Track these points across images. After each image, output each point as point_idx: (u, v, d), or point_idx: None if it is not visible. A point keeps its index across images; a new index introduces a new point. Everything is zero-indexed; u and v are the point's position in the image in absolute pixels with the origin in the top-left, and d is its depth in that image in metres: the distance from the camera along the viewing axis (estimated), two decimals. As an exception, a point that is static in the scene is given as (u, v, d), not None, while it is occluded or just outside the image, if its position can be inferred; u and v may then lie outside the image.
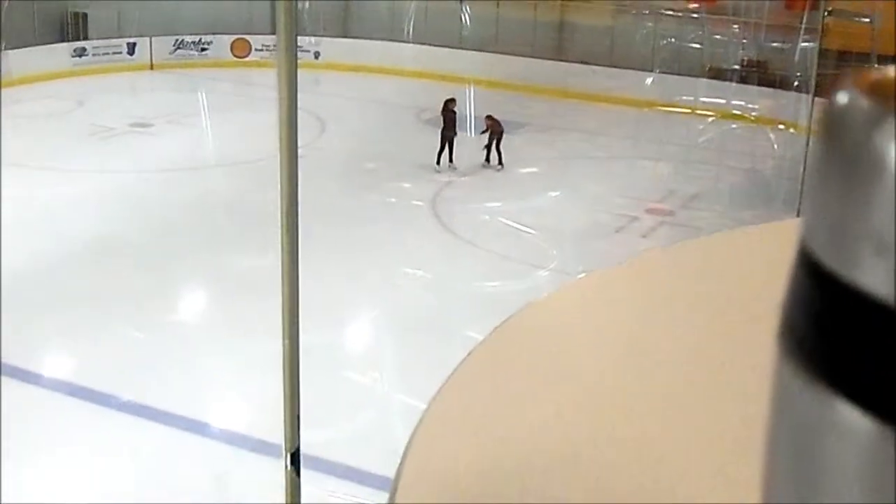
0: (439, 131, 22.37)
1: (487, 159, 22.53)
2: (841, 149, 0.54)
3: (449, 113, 22.30)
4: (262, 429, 10.42)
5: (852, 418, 0.53)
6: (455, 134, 22.23)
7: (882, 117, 0.53)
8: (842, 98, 0.56)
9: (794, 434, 0.58)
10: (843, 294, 0.52)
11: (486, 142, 22.44)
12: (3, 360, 12.13)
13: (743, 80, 28.72)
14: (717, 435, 1.40)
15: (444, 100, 22.79)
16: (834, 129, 0.55)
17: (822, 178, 0.56)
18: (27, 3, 28.53)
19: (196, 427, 11.88)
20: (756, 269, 1.83)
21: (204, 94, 27.67)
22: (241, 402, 12.74)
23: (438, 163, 22.07)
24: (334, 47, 32.22)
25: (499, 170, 22.53)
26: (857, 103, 0.55)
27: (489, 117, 22.56)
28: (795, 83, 25.92)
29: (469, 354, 1.66)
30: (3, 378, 12.08)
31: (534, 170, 23.27)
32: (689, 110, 28.21)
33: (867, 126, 0.53)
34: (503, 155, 22.55)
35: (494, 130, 22.38)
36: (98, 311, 14.54)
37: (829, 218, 0.55)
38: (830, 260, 0.54)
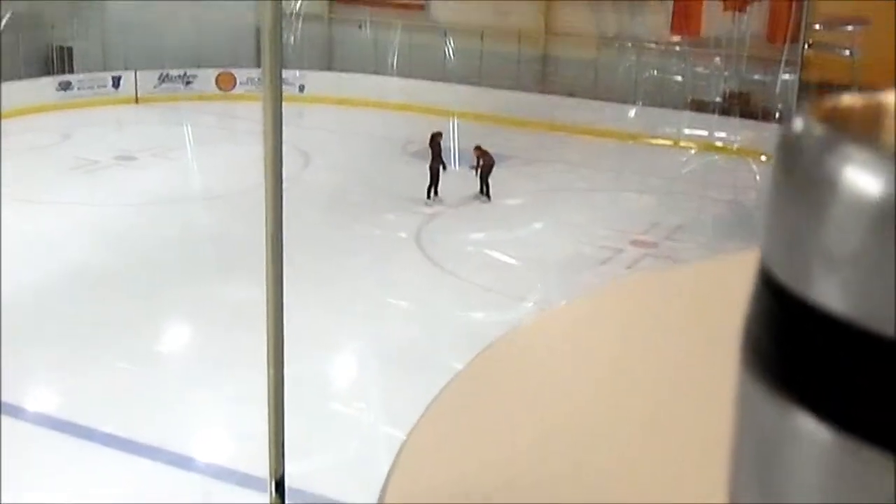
0: (427, 165, 22.45)
1: (481, 190, 22.61)
2: (796, 170, 0.57)
3: (436, 146, 22.42)
4: (247, 462, 10.41)
5: (810, 428, 0.56)
6: (444, 167, 22.33)
7: (834, 141, 0.56)
8: (797, 123, 0.59)
9: (757, 443, 0.61)
10: (798, 308, 0.55)
11: (476, 173, 22.54)
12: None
13: (725, 112, 28.95)
14: (698, 459, 1.42)
15: (430, 133, 22.91)
16: (789, 152, 0.58)
17: (777, 199, 0.59)
18: (12, 36, 28.59)
19: (181, 461, 11.82)
20: (737, 296, 1.84)
21: (189, 127, 27.70)
22: (227, 435, 12.70)
23: (429, 196, 22.15)
24: (319, 80, 32.35)
25: (485, 202, 22.60)
26: (811, 128, 0.58)
27: (478, 148, 22.63)
28: (777, 115, 26.17)
29: (450, 381, 1.68)
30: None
31: (519, 202, 23.33)
32: (671, 142, 28.42)
33: (820, 149, 0.56)
34: (490, 188, 22.63)
35: (486, 162, 22.46)
36: (82, 344, 14.49)
37: (785, 236, 0.58)
38: (786, 276, 0.57)
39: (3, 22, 27.80)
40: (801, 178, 0.56)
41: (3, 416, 12.35)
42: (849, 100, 0.62)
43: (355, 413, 13.25)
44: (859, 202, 0.52)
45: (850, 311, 0.53)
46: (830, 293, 0.54)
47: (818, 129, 0.57)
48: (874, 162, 0.53)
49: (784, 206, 0.58)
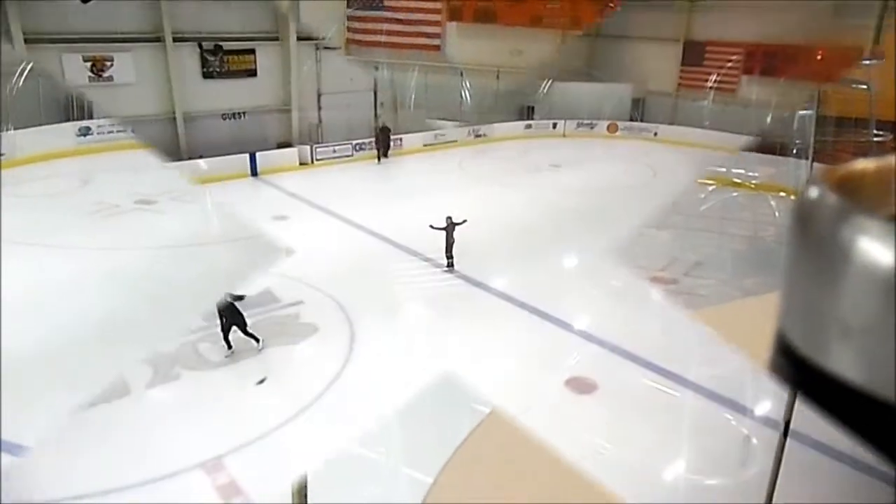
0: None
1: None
2: (811, 241, 0.58)
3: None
4: None
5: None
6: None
7: (847, 213, 0.57)
8: (812, 192, 0.60)
9: None
10: (814, 376, 0.56)
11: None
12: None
13: (743, 147, 28.91)
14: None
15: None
16: (804, 222, 0.59)
17: (793, 268, 0.60)
18: (32, 83, 28.87)
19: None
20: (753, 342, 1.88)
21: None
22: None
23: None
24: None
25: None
26: (825, 199, 0.59)
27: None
28: (794, 150, 26.13)
29: (454, 453, 1.70)
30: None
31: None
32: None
33: (834, 221, 0.57)
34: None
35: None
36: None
37: (801, 305, 0.59)
38: (803, 344, 0.58)
39: (26, 70, 28.13)
40: (815, 248, 0.57)
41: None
42: (862, 165, 0.63)
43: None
44: (871, 273, 0.53)
45: (864, 380, 0.54)
46: (845, 362, 0.55)
47: (831, 199, 0.58)
48: (885, 233, 0.54)
49: (799, 275, 0.59)
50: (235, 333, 15.59)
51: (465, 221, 20.99)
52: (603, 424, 13.31)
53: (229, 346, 15.58)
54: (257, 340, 15.79)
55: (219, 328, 15.59)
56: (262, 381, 15.15)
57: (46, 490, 11.68)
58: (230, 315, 15.55)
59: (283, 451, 12.57)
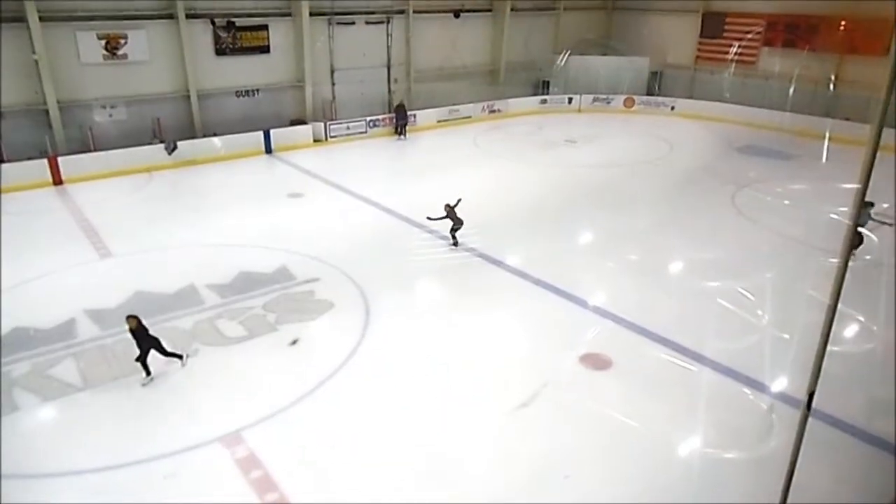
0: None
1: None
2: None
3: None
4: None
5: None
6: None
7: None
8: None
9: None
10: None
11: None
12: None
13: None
14: None
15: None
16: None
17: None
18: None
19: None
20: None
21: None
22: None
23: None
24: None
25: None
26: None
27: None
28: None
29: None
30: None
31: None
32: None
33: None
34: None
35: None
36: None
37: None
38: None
39: None
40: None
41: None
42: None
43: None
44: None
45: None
46: None
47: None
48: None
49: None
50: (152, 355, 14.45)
51: (459, 200, 21.03)
52: (618, 399, 13.35)
53: (147, 372, 14.33)
54: (181, 357, 14.72)
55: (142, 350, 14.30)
56: (294, 342, 15.34)
57: (66, 461, 11.82)
58: (144, 339, 14.24)
59: (300, 425, 12.67)
